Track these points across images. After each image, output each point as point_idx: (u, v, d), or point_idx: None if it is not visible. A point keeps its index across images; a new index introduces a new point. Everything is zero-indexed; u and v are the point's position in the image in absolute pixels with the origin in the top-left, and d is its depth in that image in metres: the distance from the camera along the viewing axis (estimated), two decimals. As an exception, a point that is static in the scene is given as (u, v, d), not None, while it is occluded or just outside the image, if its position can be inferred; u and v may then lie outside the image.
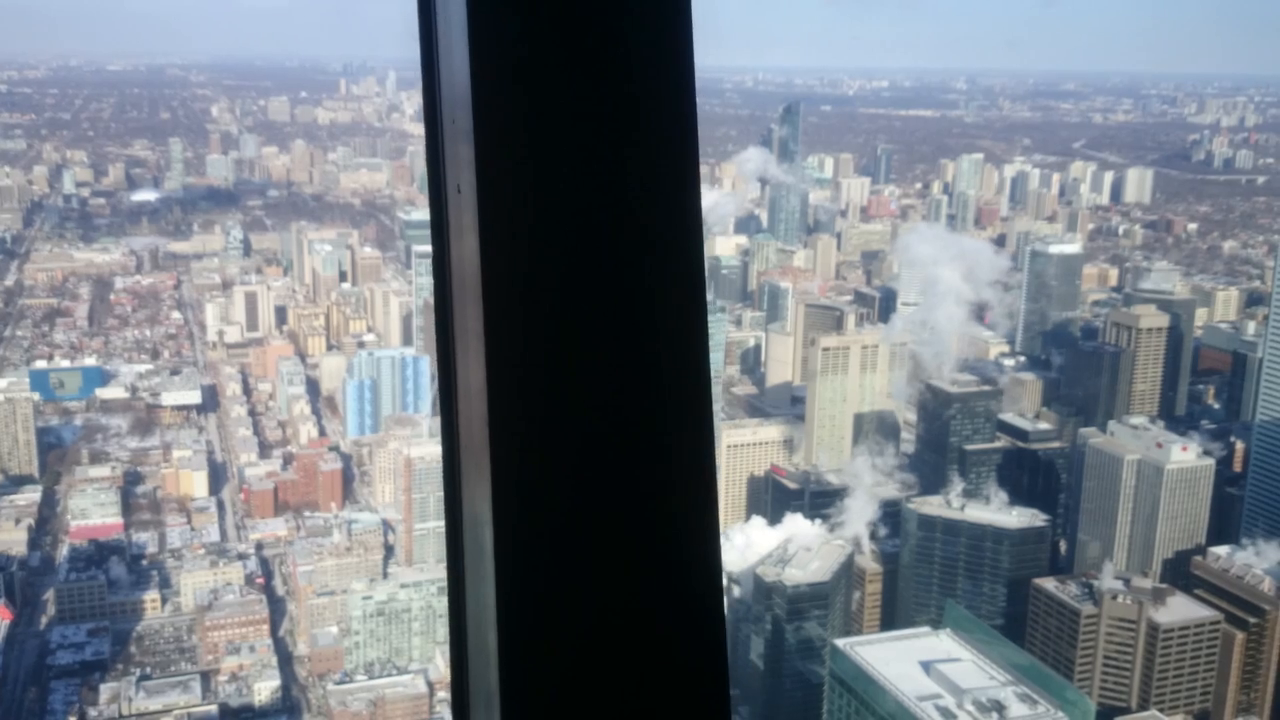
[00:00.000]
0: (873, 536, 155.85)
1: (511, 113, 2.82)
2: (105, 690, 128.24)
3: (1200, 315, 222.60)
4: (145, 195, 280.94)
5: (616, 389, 2.93)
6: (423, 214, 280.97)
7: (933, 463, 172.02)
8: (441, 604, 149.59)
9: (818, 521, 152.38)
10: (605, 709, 2.99)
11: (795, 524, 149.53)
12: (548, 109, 2.83)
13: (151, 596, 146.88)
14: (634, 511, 2.97)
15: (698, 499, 3.03)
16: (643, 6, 2.89)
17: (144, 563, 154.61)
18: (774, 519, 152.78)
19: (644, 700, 3.02)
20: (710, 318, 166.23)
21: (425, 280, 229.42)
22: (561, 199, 2.85)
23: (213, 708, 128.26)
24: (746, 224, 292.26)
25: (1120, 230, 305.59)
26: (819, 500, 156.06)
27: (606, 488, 2.94)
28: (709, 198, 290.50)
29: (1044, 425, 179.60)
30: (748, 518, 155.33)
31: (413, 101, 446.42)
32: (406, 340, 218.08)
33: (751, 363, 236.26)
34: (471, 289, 2.92)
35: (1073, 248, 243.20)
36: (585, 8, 2.84)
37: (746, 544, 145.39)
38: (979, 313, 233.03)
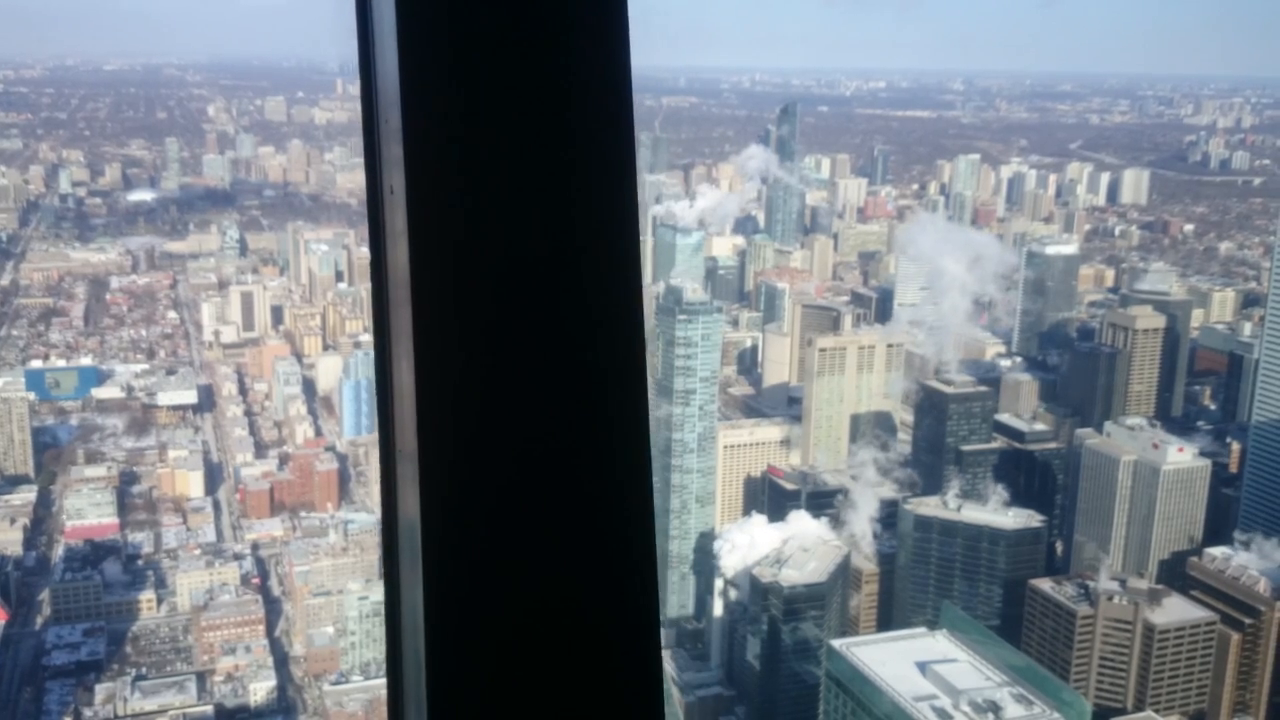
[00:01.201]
0: (870, 537, 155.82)
1: (441, 113, 2.78)
2: (101, 690, 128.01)
3: (1197, 316, 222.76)
4: (141, 195, 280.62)
5: (550, 393, 2.89)
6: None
7: (929, 463, 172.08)
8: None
9: (823, 519, 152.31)
10: (536, 716, 2.96)
11: (801, 522, 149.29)
12: (479, 109, 2.79)
13: (147, 597, 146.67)
14: (568, 516, 2.92)
15: (634, 503, 3.00)
16: (578, 5, 2.85)
17: (140, 563, 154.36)
18: (772, 519, 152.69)
19: (577, 709, 2.98)
20: (707, 318, 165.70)
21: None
22: (494, 200, 2.82)
23: (209, 708, 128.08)
24: (743, 224, 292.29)
25: (1117, 231, 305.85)
26: (816, 501, 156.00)
27: (539, 492, 2.90)
28: (710, 198, 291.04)
29: (1040, 426, 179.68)
30: (748, 517, 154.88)
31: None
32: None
33: (748, 363, 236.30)
34: (404, 291, 2.87)
35: (1069, 248, 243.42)
36: (518, 7, 2.81)
37: (750, 542, 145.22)
38: (983, 305, 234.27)
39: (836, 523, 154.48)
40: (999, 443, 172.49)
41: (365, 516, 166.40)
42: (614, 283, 2.94)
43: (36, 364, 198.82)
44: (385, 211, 3.00)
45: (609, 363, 2.95)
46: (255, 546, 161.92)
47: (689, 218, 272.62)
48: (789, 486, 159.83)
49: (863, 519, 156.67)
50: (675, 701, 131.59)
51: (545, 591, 2.92)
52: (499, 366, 2.87)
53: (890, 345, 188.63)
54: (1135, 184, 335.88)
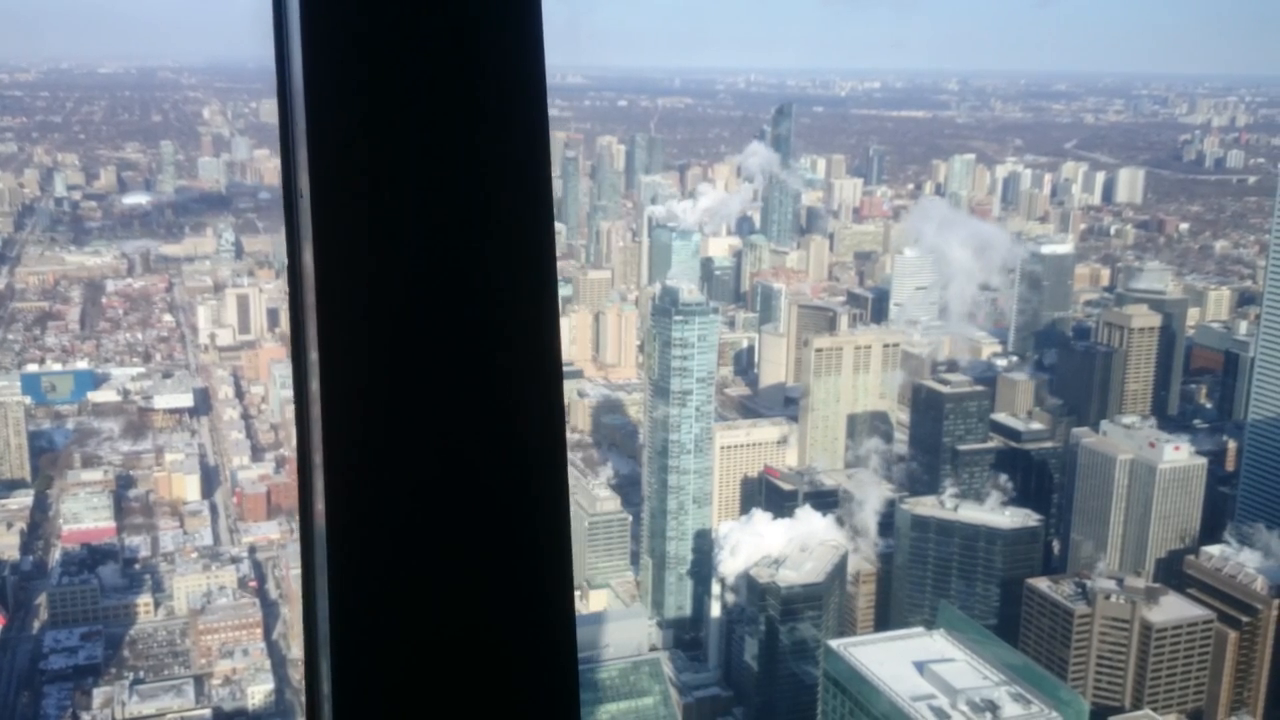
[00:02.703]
0: (866, 537, 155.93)
1: (346, 115, 2.71)
2: (98, 694, 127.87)
3: (1192, 315, 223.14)
4: (137, 198, 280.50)
5: (462, 401, 2.81)
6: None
7: (926, 463, 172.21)
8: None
9: (829, 516, 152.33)
10: None
11: (809, 520, 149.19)
12: (385, 111, 2.71)
13: (144, 600, 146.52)
14: (480, 527, 2.85)
15: (549, 513, 2.93)
16: (489, 7, 2.78)
17: (137, 566, 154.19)
18: (773, 518, 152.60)
19: None
20: (704, 319, 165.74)
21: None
22: (401, 204, 2.73)
23: (206, 711, 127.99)
24: (739, 225, 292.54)
25: (1112, 230, 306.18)
26: (813, 501, 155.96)
27: (449, 504, 2.82)
28: (712, 197, 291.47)
29: (1037, 425, 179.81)
30: (748, 515, 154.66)
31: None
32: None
33: (745, 364, 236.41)
34: (312, 296, 2.81)
35: (1065, 248, 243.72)
36: (427, 8, 2.72)
37: (755, 541, 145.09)
38: (988, 290, 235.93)
39: (833, 522, 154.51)
40: (995, 442, 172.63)
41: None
42: (528, 288, 2.86)
43: (32, 368, 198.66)
44: (297, 216, 2.93)
45: (523, 369, 2.87)
46: (252, 549, 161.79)
47: (692, 217, 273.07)
48: (786, 487, 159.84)
49: (859, 519, 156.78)
50: (673, 703, 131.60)
51: (454, 604, 2.84)
52: (407, 374, 2.77)
53: (886, 345, 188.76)
54: (1130, 183, 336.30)
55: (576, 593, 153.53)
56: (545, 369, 2.89)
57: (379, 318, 2.75)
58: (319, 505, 2.87)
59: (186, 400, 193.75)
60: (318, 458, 2.86)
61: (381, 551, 2.79)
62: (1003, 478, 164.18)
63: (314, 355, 2.86)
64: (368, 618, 2.81)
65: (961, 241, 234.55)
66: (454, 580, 2.84)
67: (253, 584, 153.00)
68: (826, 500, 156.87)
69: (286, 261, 3.12)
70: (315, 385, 2.89)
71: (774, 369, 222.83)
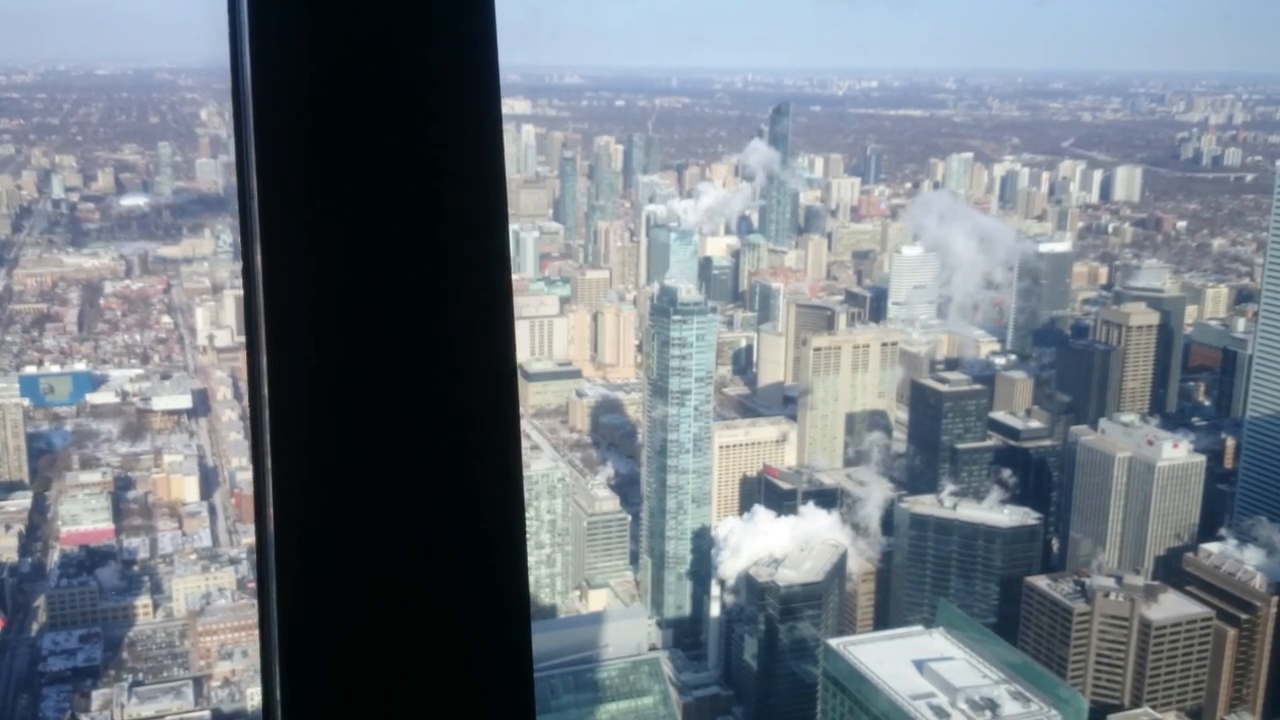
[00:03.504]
0: (868, 536, 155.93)
1: (294, 117, 2.66)
2: (98, 696, 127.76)
3: (1190, 313, 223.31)
4: (134, 200, 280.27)
5: (414, 405, 2.75)
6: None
7: (924, 461, 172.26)
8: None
9: (832, 513, 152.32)
10: None
11: (815, 518, 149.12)
12: (333, 111, 2.67)
13: (143, 602, 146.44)
14: (431, 530, 2.79)
15: (503, 522, 2.88)
16: (440, 8, 2.72)
17: (135, 568, 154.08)
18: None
19: None
20: (702, 318, 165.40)
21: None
22: (349, 206, 2.69)
23: (205, 713, 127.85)
24: (738, 224, 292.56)
25: (1110, 228, 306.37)
26: (811, 500, 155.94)
27: (400, 506, 2.77)
28: (713, 196, 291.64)
29: (1035, 423, 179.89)
30: (750, 513, 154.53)
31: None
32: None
33: (744, 363, 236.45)
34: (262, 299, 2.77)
35: (1063, 246, 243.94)
36: (377, 8, 2.69)
37: (760, 539, 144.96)
38: (990, 284, 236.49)
39: (836, 521, 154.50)
40: (994, 440, 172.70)
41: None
42: (482, 289, 2.81)
43: (31, 369, 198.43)
44: (251, 219, 2.84)
45: (477, 372, 2.81)
46: (251, 551, 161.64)
47: (693, 217, 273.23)
48: (785, 486, 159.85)
49: (859, 518, 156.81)
50: (673, 702, 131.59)
51: (406, 609, 2.79)
52: (358, 377, 2.72)
53: (885, 344, 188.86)
54: (1128, 181, 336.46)
55: (575, 593, 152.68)
56: (499, 369, 2.84)
57: (328, 320, 2.70)
58: (270, 510, 2.82)
59: (185, 402, 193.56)
60: (269, 462, 2.80)
61: (331, 556, 2.75)
62: (1002, 475, 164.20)
63: (263, 361, 2.81)
64: (318, 623, 2.76)
65: (964, 234, 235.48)
66: (406, 585, 2.79)
67: (252, 585, 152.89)
68: (825, 499, 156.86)
69: (243, 265, 3.05)
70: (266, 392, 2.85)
71: (772, 368, 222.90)
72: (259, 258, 2.73)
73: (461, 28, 2.75)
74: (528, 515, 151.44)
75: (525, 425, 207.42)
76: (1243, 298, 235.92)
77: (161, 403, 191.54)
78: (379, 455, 2.75)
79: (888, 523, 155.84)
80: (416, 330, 2.75)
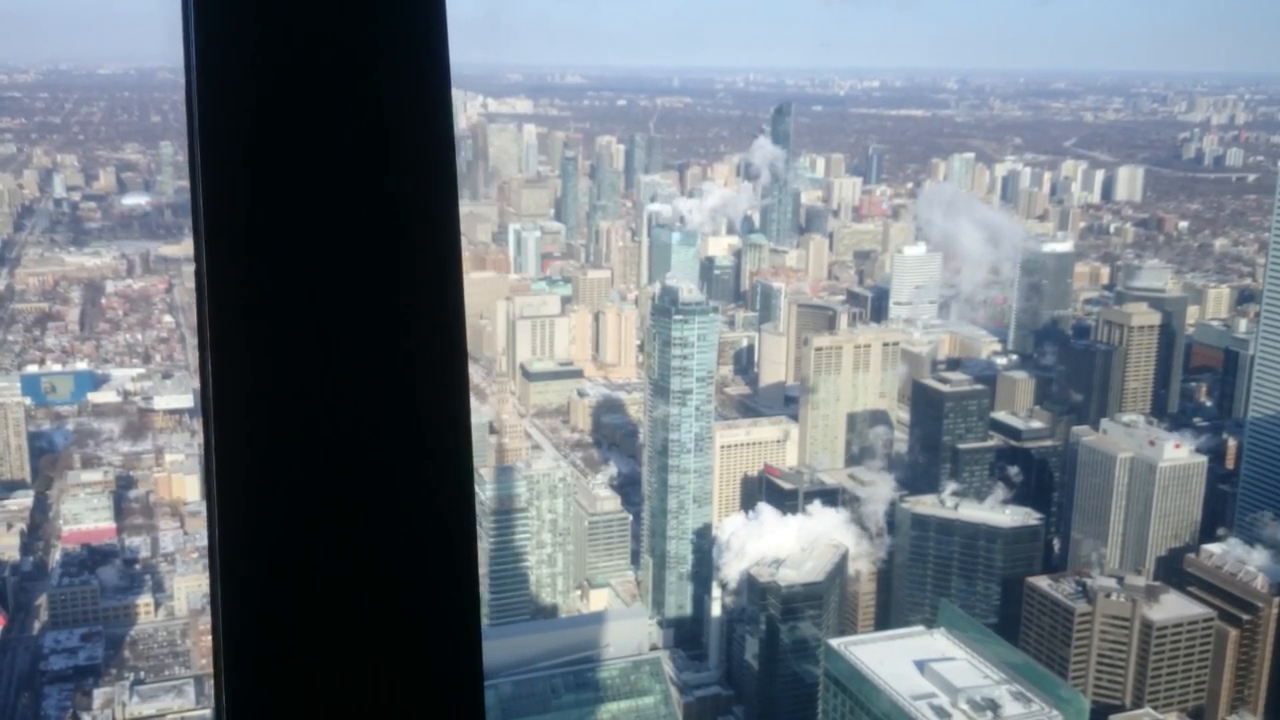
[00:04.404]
0: (871, 535, 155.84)
1: (236, 117, 2.64)
2: (99, 695, 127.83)
3: (1192, 313, 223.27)
4: (136, 199, 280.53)
5: (359, 401, 2.73)
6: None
7: (926, 462, 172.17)
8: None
9: (835, 513, 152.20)
10: None
11: (816, 519, 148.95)
12: (278, 107, 2.65)
13: (145, 601, 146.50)
14: (379, 524, 2.77)
15: (453, 516, 2.85)
16: (389, 9, 2.70)
17: (137, 567, 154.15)
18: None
19: None
20: (703, 318, 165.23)
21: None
22: (293, 202, 2.66)
23: (206, 712, 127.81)
24: (739, 224, 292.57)
25: (1111, 228, 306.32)
26: (813, 500, 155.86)
27: (345, 511, 2.74)
28: (718, 195, 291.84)
29: (1037, 424, 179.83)
30: (754, 512, 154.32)
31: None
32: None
33: (745, 363, 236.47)
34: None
35: (1064, 246, 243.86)
36: (325, 7, 2.67)
37: (765, 539, 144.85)
38: (996, 278, 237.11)
39: (839, 520, 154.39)
40: (996, 441, 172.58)
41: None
42: (430, 285, 2.77)
43: (32, 369, 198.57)
44: (199, 218, 2.84)
45: (425, 368, 2.78)
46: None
47: (699, 217, 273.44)
48: (786, 486, 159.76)
49: (859, 518, 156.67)
50: (674, 702, 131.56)
51: (352, 599, 2.77)
52: (303, 373, 2.70)
53: (886, 344, 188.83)
54: (1130, 181, 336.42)
55: (577, 592, 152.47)
56: (450, 372, 2.81)
57: (272, 317, 2.68)
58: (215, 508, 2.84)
59: (186, 401, 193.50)
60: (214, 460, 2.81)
61: (270, 555, 2.72)
62: (1004, 475, 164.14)
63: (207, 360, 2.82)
64: (263, 615, 2.73)
65: (971, 225, 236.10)
66: (351, 577, 2.76)
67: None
68: (826, 499, 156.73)
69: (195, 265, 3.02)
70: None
71: (774, 368, 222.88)
72: (204, 254, 2.73)
73: (413, 22, 2.72)
74: (529, 515, 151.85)
75: (526, 425, 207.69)
76: (1244, 298, 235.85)
77: (163, 402, 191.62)
78: (329, 447, 2.72)
79: (889, 523, 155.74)
80: (366, 323, 2.73)
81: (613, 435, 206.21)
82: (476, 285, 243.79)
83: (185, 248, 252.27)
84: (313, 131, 2.67)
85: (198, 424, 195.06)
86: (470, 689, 2.93)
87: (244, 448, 2.71)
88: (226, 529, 2.72)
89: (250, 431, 2.70)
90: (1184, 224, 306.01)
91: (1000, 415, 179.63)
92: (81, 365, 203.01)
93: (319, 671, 2.77)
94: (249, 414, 2.70)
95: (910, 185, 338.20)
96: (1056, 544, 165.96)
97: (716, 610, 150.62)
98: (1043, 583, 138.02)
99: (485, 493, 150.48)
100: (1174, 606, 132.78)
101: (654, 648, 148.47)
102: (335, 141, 2.69)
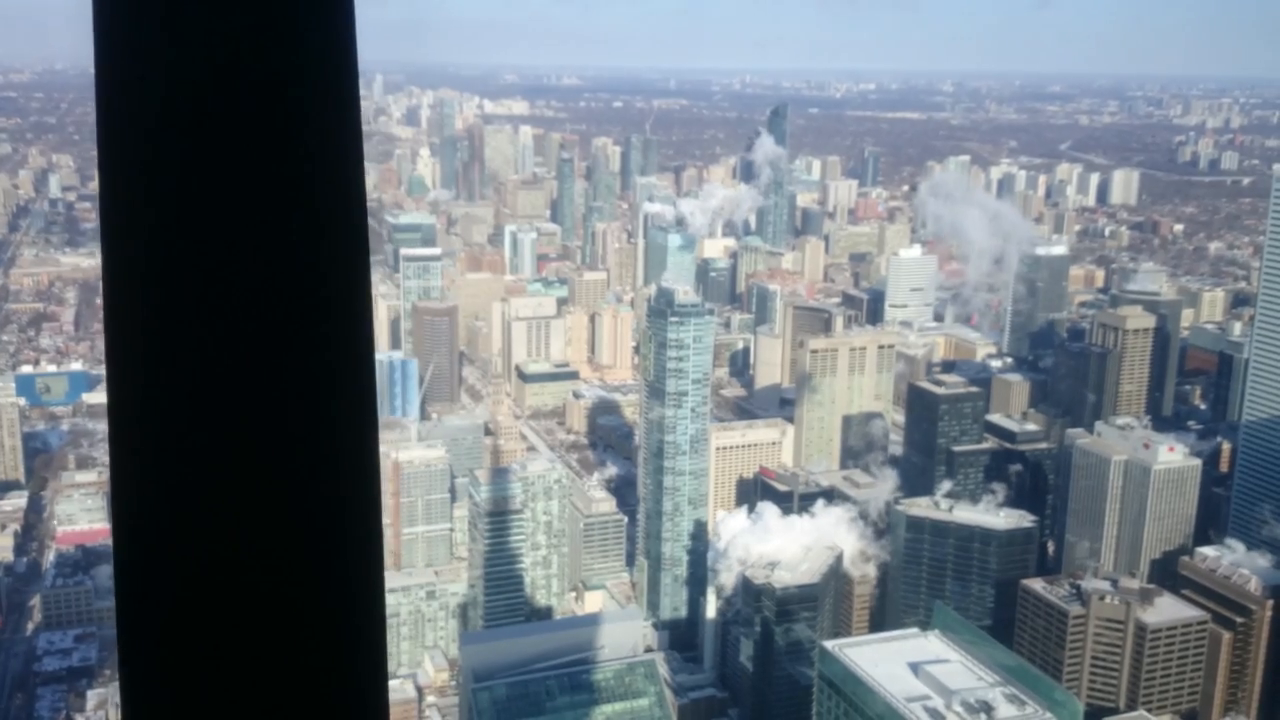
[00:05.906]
0: (862, 537, 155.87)
1: (137, 114, 2.62)
2: (92, 696, 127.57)
3: (1187, 316, 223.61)
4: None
5: (261, 407, 2.66)
6: (411, 217, 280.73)
7: (921, 464, 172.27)
8: (430, 607, 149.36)
9: (832, 514, 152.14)
10: None
11: (812, 520, 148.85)
12: (179, 108, 2.60)
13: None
14: (280, 531, 2.72)
15: (359, 510, 2.81)
16: (296, 10, 2.65)
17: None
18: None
19: None
20: (699, 320, 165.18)
21: (413, 284, 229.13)
22: (195, 204, 2.60)
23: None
24: (735, 226, 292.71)
25: (1106, 231, 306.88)
26: (808, 501, 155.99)
27: (241, 519, 2.69)
28: (719, 198, 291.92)
29: (1031, 426, 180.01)
30: (758, 514, 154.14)
31: (400, 104, 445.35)
32: (394, 343, 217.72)
33: (740, 365, 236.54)
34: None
35: (1059, 249, 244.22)
36: (229, 14, 2.60)
37: (764, 539, 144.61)
38: (998, 264, 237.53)
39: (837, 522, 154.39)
40: (990, 443, 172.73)
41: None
42: (338, 290, 2.73)
43: (27, 369, 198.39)
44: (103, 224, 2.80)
45: (330, 375, 2.73)
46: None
47: (701, 217, 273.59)
48: (781, 487, 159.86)
49: (854, 520, 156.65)
50: (669, 704, 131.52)
51: (251, 604, 2.71)
52: (201, 384, 2.63)
53: (881, 346, 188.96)
54: (1125, 184, 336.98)
55: (571, 594, 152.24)
56: (358, 382, 2.78)
57: (173, 321, 2.61)
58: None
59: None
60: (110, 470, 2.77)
61: (165, 567, 2.67)
62: (999, 477, 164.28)
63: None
64: (158, 621, 2.69)
65: (976, 213, 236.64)
66: (251, 579, 2.71)
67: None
68: (819, 502, 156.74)
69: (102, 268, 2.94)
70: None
71: (769, 370, 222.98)
72: (106, 259, 2.67)
73: (318, 26, 2.67)
74: (524, 517, 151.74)
75: (522, 426, 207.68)
76: (1239, 301, 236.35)
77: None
78: (229, 452, 2.67)
79: (884, 525, 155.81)
80: (269, 326, 2.66)
81: (608, 437, 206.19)
82: (472, 286, 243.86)
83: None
84: (214, 145, 2.61)
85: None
86: (373, 681, 2.89)
87: (138, 455, 2.66)
88: (122, 545, 2.70)
89: (142, 446, 2.65)
90: (1179, 227, 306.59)
91: (995, 418, 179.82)
92: (76, 366, 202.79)
93: (217, 669, 2.72)
94: (143, 425, 2.65)
95: (906, 188, 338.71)
96: (1051, 547, 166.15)
97: (711, 612, 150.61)
98: (1037, 585, 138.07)
99: (481, 494, 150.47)
100: (1168, 609, 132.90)
101: (649, 650, 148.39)
102: (238, 155, 2.62)
